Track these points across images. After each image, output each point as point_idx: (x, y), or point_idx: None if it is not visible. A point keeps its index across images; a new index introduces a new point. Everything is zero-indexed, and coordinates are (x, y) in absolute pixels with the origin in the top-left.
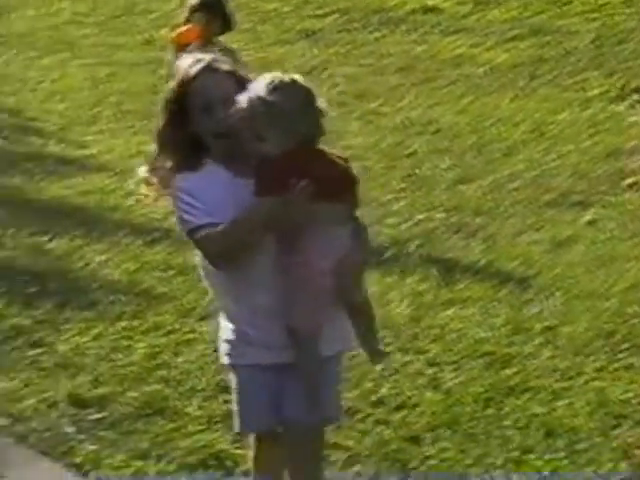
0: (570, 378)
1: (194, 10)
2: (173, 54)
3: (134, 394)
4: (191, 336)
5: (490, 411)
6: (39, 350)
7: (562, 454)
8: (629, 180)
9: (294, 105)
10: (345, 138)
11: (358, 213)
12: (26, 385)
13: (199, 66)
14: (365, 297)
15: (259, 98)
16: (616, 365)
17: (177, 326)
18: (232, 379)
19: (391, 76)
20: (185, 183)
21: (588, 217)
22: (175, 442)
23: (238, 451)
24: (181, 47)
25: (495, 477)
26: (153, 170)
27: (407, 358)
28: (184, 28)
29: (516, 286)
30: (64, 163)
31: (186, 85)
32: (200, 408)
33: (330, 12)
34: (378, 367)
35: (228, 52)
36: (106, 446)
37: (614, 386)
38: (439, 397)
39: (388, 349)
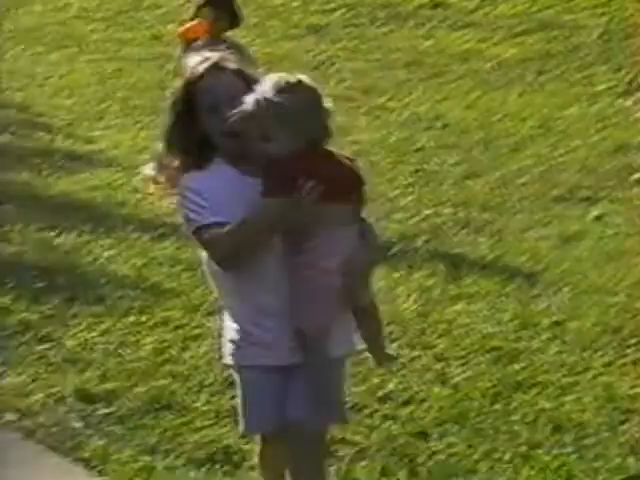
0: (578, 373)
1: (202, 5)
2: (181, 50)
3: (142, 389)
4: (199, 331)
5: (498, 406)
6: (47, 345)
7: (570, 449)
8: (637, 175)
9: (300, 106)
10: (352, 133)
11: (364, 214)
12: (34, 380)
13: (205, 65)
14: (372, 299)
15: (265, 99)
16: (624, 360)
17: (185, 321)
18: (236, 379)
19: (398, 71)
20: (192, 182)
21: (596, 212)
22: (183, 437)
23: (246, 446)
24: (189, 42)
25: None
26: (160, 169)
27: (414, 353)
28: (192, 23)
29: (524, 281)
30: (72, 158)
31: (193, 84)
32: (208, 403)
33: (337, 7)
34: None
35: (236, 48)
36: (114, 441)
37: (622, 381)
38: (447, 392)
39: (395, 344)
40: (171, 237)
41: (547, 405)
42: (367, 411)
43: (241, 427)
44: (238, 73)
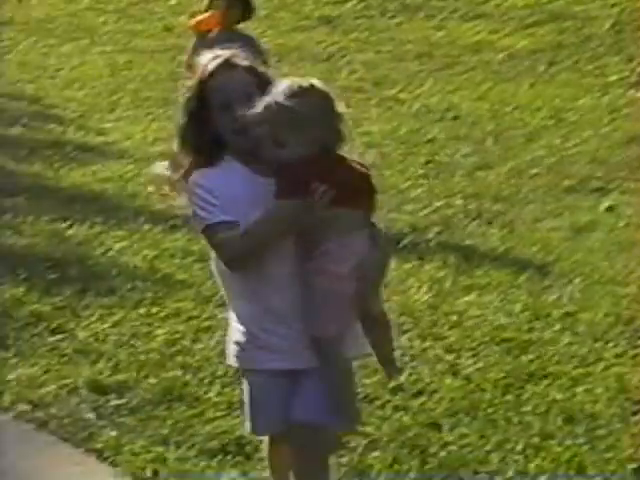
0: (589, 364)
1: None
2: (193, 41)
3: (154, 380)
4: (210, 323)
5: (509, 397)
6: (59, 336)
7: (582, 440)
8: None
9: (313, 111)
10: (364, 125)
11: (375, 219)
12: (46, 371)
13: (217, 63)
14: (382, 308)
15: (277, 104)
16: (636, 351)
17: (196, 313)
18: (242, 381)
19: (410, 62)
20: (202, 179)
21: (607, 203)
22: (195, 428)
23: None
24: (201, 34)
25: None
26: (174, 168)
27: (426, 344)
28: (204, 15)
29: (535, 272)
30: (83, 150)
31: (204, 82)
32: (220, 394)
33: None
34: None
35: (248, 40)
36: (126, 432)
37: (634, 372)
38: (458, 383)
39: (407, 335)
40: (183, 229)
41: (559, 396)
42: (379, 402)
43: (247, 427)
44: (250, 70)
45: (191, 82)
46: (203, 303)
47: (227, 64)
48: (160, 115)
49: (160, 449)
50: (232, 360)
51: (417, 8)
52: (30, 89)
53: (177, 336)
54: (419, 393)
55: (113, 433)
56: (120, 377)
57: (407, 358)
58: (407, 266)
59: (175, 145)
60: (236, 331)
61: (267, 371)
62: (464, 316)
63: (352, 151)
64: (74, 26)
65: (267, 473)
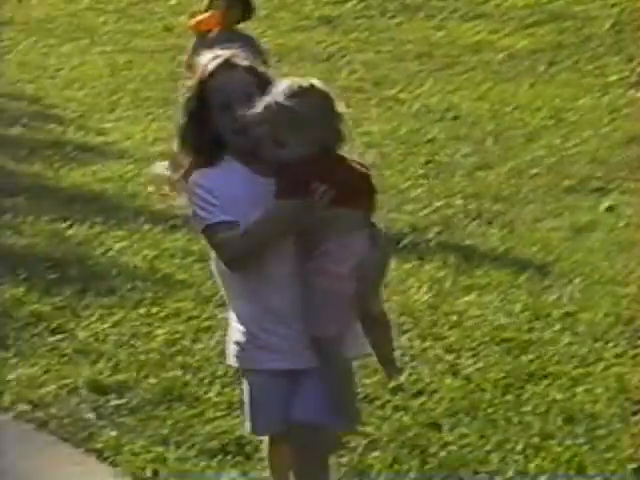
0: (589, 364)
1: None
2: (193, 41)
3: (154, 380)
4: (210, 323)
5: (509, 397)
6: (59, 336)
7: (582, 440)
8: None
9: (312, 111)
10: (364, 125)
11: (375, 219)
12: (46, 371)
13: (216, 63)
14: (382, 308)
15: (277, 104)
16: (636, 351)
17: (196, 313)
18: (242, 381)
19: (410, 62)
20: (202, 179)
21: (607, 203)
22: (195, 428)
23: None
24: (201, 34)
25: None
26: (175, 168)
27: (426, 344)
28: (204, 15)
29: (535, 272)
30: (83, 150)
31: (204, 82)
32: (220, 394)
33: None
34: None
35: (248, 40)
36: (126, 432)
37: (634, 372)
38: (458, 383)
39: (407, 335)
40: (183, 229)
41: (559, 396)
42: (379, 402)
43: (247, 426)
44: (250, 70)
45: (191, 82)
46: (203, 303)
47: (227, 64)
48: (160, 115)
49: (160, 449)
50: (232, 360)
51: (417, 8)
52: (30, 89)
53: (177, 336)
54: (419, 393)
55: (113, 433)
56: (120, 377)
57: (407, 358)
58: (407, 266)
59: (175, 145)
60: (236, 331)
61: (267, 371)
62: (464, 316)
63: (352, 151)
64: (74, 26)
65: (267, 473)
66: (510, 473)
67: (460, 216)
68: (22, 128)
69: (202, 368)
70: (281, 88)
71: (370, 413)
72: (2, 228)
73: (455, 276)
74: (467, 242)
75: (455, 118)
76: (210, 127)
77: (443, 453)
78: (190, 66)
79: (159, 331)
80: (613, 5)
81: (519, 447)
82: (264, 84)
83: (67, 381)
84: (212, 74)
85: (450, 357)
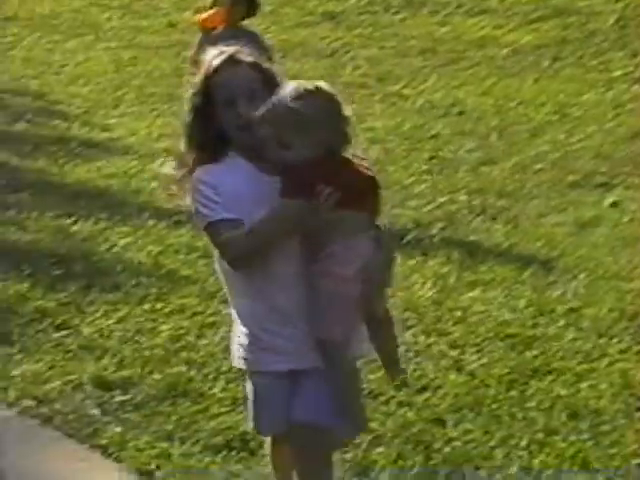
0: (594, 360)
1: None
2: (199, 38)
3: (158, 376)
4: (215, 318)
5: (514, 393)
6: (64, 332)
7: (586, 436)
8: None
9: (318, 113)
10: (367, 120)
11: (379, 222)
12: (51, 367)
13: (221, 59)
14: (387, 310)
15: (283, 106)
16: None
17: (201, 308)
18: (246, 383)
19: (414, 58)
20: (205, 176)
21: (612, 198)
22: (199, 424)
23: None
24: (207, 31)
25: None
26: (180, 165)
27: (430, 340)
28: (209, 12)
29: (539, 268)
30: (88, 146)
31: (209, 78)
32: (224, 390)
33: None
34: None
35: (252, 37)
36: (131, 428)
37: (638, 368)
38: (462, 379)
39: (411, 331)
40: (187, 225)
41: (563, 392)
42: (383, 398)
43: (250, 425)
44: (254, 66)
45: (196, 78)
46: (208, 299)
47: (232, 60)
48: (165, 111)
49: (165, 445)
50: (237, 362)
51: (421, 4)
52: (34, 85)
53: (182, 332)
54: (423, 389)
55: (118, 429)
56: (125, 373)
57: (411, 354)
58: (411, 262)
59: (182, 143)
60: (240, 333)
61: (272, 373)
62: (468, 312)
63: (356, 148)
64: (79, 22)
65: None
66: (514, 469)
67: (464, 212)
68: (26, 124)
69: (206, 364)
70: (287, 90)
71: (374, 409)
72: (6, 224)
73: (459, 272)
74: (471, 238)
75: (459, 114)
76: (214, 123)
77: (447, 449)
78: (195, 62)
79: (164, 327)
80: (617, 0)
81: (523, 443)
82: (269, 80)
83: (72, 377)
84: (217, 70)
85: (454, 353)
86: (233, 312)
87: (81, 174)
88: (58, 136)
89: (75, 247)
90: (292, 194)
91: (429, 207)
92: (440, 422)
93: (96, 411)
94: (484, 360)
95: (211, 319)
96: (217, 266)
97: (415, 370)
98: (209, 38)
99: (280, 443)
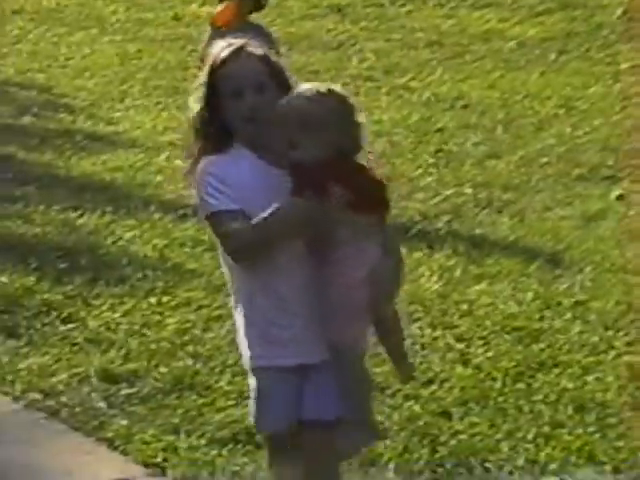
0: (600, 353)
1: None
2: (209, 33)
3: (165, 369)
4: (221, 312)
5: (520, 386)
6: (70, 326)
7: (592, 429)
8: None
9: (328, 115)
10: (374, 113)
11: (388, 226)
12: (57, 360)
13: (229, 50)
14: (394, 312)
15: (293, 106)
16: None
17: (207, 302)
18: (250, 380)
19: (420, 51)
20: (212, 166)
21: (618, 191)
22: (205, 417)
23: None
24: (218, 28)
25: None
26: (188, 157)
27: (436, 333)
28: (219, 9)
29: (546, 261)
30: (94, 139)
31: (216, 70)
32: (230, 383)
33: None
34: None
35: (260, 31)
36: (137, 421)
37: None
38: (469, 372)
39: (417, 324)
40: (193, 218)
41: (569, 385)
42: (389, 391)
43: (252, 421)
44: (262, 58)
45: (203, 70)
46: (214, 292)
47: (240, 52)
48: (170, 104)
49: (171, 438)
50: (244, 360)
51: None
52: (40, 78)
53: (188, 325)
54: (429, 382)
55: (124, 422)
56: (131, 366)
57: (417, 347)
58: (417, 255)
59: (191, 135)
60: (245, 328)
61: (279, 367)
62: (475, 305)
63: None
64: (84, 15)
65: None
66: (520, 462)
67: (470, 205)
68: (32, 117)
69: (213, 357)
70: (299, 91)
71: (380, 402)
72: (13, 217)
73: (465, 265)
74: (477, 231)
75: (465, 107)
76: (220, 114)
77: (453, 442)
78: (204, 57)
79: (170, 320)
80: None
81: (530, 436)
82: (276, 73)
83: (78, 370)
84: (224, 61)
85: (460, 346)
86: (237, 309)
87: (87, 167)
88: (64, 129)
89: (81, 240)
90: (303, 193)
91: (435, 200)
92: (446, 415)
93: (102, 404)
94: (490, 353)
95: (217, 312)
96: (222, 260)
97: (421, 363)
98: (219, 32)
99: (281, 442)
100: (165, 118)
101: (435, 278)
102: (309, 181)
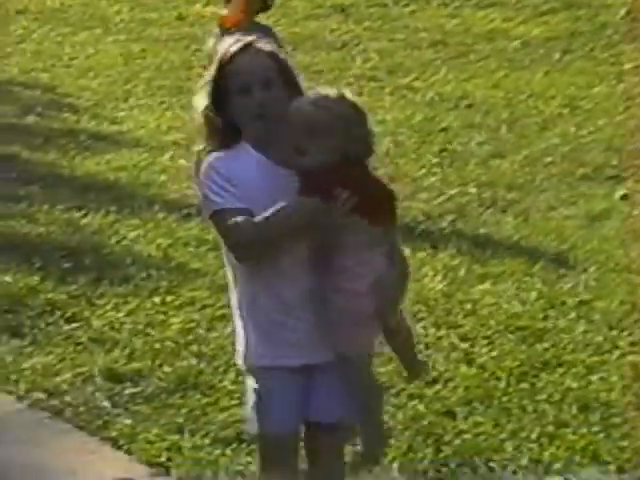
0: (604, 352)
1: None
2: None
3: (169, 369)
4: (225, 311)
5: (524, 385)
6: (74, 325)
7: (596, 428)
8: None
9: (333, 120)
10: (377, 113)
11: (395, 234)
12: (61, 360)
13: (238, 46)
14: (402, 317)
15: (301, 112)
16: None
17: (211, 301)
18: (250, 382)
19: (424, 50)
20: (218, 163)
21: (622, 191)
22: (209, 416)
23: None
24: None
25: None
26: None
27: (440, 333)
28: (226, 10)
29: (550, 261)
30: (97, 139)
31: (224, 66)
32: (234, 383)
33: None
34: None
35: (266, 30)
36: (141, 420)
37: None
38: (473, 371)
39: (421, 324)
40: (197, 218)
41: (574, 384)
42: (393, 390)
43: (253, 428)
44: (271, 55)
45: (212, 66)
46: (218, 291)
47: (248, 48)
48: (174, 104)
49: (175, 437)
50: (245, 361)
51: None
52: (44, 78)
53: (192, 325)
54: (434, 381)
55: (128, 421)
56: (135, 365)
57: (422, 346)
58: (421, 254)
59: (197, 132)
60: (246, 329)
61: (284, 368)
62: (479, 304)
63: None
64: (88, 15)
65: None
66: (524, 461)
67: (474, 204)
68: (36, 117)
69: (217, 356)
70: (310, 96)
71: (385, 401)
72: (17, 217)
73: (469, 264)
74: (481, 230)
75: (469, 106)
76: (228, 111)
77: (458, 441)
78: (212, 56)
79: (174, 320)
80: None
81: (534, 435)
82: (284, 70)
83: (82, 369)
84: (233, 57)
85: (465, 345)
86: (238, 309)
87: (91, 167)
88: (68, 129)
89: (85, 240)
90: (309, 193)
91: (439, 200)
92: (450, 415)
93: (106, 403)
94: (494, 353)
95: (221, 312)
96: (225, 259)
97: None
98: (227, 33)
99: (282, 444)
100: (169, 118)
101: (439, 278)
102: (316, 185)
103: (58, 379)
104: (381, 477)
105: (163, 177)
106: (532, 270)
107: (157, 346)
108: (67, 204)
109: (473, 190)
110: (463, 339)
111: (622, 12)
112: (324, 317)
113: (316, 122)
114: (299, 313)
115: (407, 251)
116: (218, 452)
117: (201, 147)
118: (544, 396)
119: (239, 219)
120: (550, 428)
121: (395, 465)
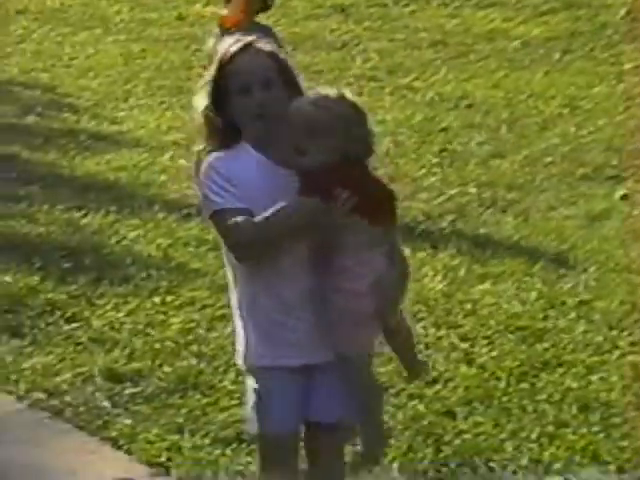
0: (604, 352)
1: None
2: (217, 35)
3: (169, 369)
4: (225, 311)
5: (524, 385)
6: (74, 325)
7: (596, 428)
8: None
9: (333, 120)
10: (377, 113)
11: (395, 235)
12: (61, 360)
13: (238, 46)
14: (402, 317)
15: (301, 113)
16: None
17: (211, 301)
18: (250, 382)
19: (424, 50)
20: (218, 162)
21: (622, 191)
22: (209, 416)
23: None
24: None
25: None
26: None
27: (440, 333)
28: (226, 10)
29: (550, 261)
30: (97, 139)
31: (225, 66)
32: (234, 383)
33: None
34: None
35: (266, 31)
36: (141, 420)
37: None
38: (473, 372)
39: (421, 324)
40: (197, 218)
41: (573, 384)
42: (393, 390)
43: (253, 428)
44: (271, 55)
45: (212, 66)
46: (218, 291)
47: (248, 47)
48: (174, 104)
49: (175, 437)
50: (245, 360)
51: None
52: (44, 78)
53: (192, 325)
54: (434, 381)
55: (128, 421)
56: (135, 365)
57: (422, 346)
58: (421, 254)
59: (197, 131)
60: (246, 329)
61: (284, 368)
62: (479, 304)
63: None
64: (88, 15)
65: None
66: (524, 461)
67: (474, 204)
68: (36, 117)
69: (217, 356)
70: (311, 96)
71: (385, 401)
72: (17, 217)
73: (469, 264)
74: (481, 230)
75: (469, 106)
76: (228, 111)
77: (458, 441)
78: (212, 56)
79: (174, 320)
80: None
81: (534, 435)
82: (284, 70)
83: (82, 369)
84: (233, 57)
85: (465, 345)
86: (238, 309)
87: (91, 167)
88: (68, 129)
89: (85, 240)
90: (309, 193)
91: (439, 200)
92: (450, 415)
93: (106, 403)
94: (494, 353)
95: (221, 312)
96: (225, 258)
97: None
98: (228, 33)
99: (282, 444)
100: (169, 118)
101: (439, 278)
102: (316, 185)
103: (58, 379)
104: (381, 477)
105: (163, 177)
106: (532, 270)
107: (157, 346)
108: (67, 204)
109: (473, 190)
110: (463, 339)
111: (622, 12)
112: (324, 317)
113: (316, 122)
114: (299, 313)
115: (407, 251)
116: (218, 452)
117: (201, 147)
118: (544, 396)
119: (239, 219)
120: (550, 428)
121: (395, 465)
